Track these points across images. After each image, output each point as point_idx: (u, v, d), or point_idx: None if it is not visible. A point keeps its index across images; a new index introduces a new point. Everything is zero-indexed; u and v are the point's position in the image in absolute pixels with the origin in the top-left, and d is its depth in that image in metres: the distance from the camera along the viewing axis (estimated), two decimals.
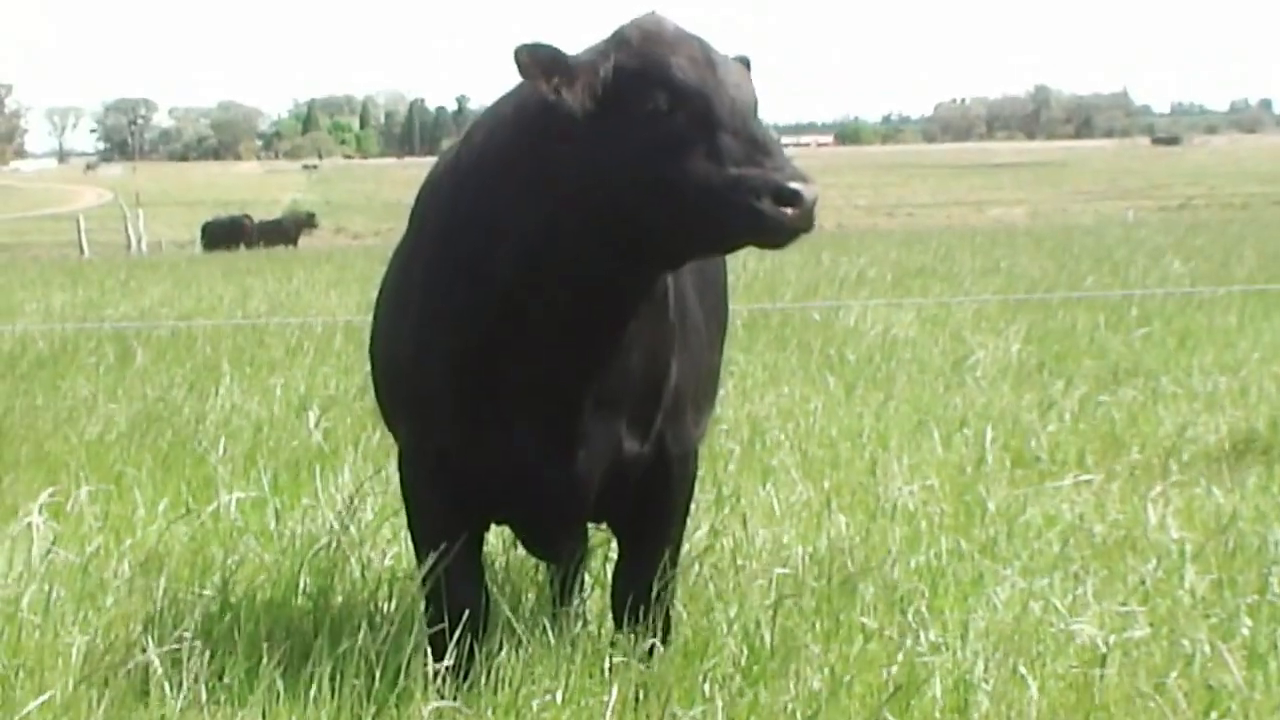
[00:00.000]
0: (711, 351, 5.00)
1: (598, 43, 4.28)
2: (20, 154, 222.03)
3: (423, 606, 4.74)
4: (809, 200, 4.02)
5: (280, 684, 4.54)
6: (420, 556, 4.70)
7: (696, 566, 5.54)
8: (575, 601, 5.45)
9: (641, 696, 4.53)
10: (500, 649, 4.73)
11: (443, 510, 4.66)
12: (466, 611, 4.63)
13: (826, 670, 4.67)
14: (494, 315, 4.38)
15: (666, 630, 4.83)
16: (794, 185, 4.00)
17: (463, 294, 4.43)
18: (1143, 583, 5.65)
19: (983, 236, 37.86)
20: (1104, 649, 4.85)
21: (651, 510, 4.73)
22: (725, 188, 4.03)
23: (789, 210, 4.01)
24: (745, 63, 4.37)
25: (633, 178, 4.11)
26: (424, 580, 4.63)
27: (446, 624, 4.60)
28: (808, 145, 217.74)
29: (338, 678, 4.55)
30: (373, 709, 4.50)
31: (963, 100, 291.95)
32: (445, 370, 4.48)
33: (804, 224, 4.04)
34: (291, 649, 4.79)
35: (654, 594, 4.75)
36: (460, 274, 4.43)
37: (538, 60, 4.17)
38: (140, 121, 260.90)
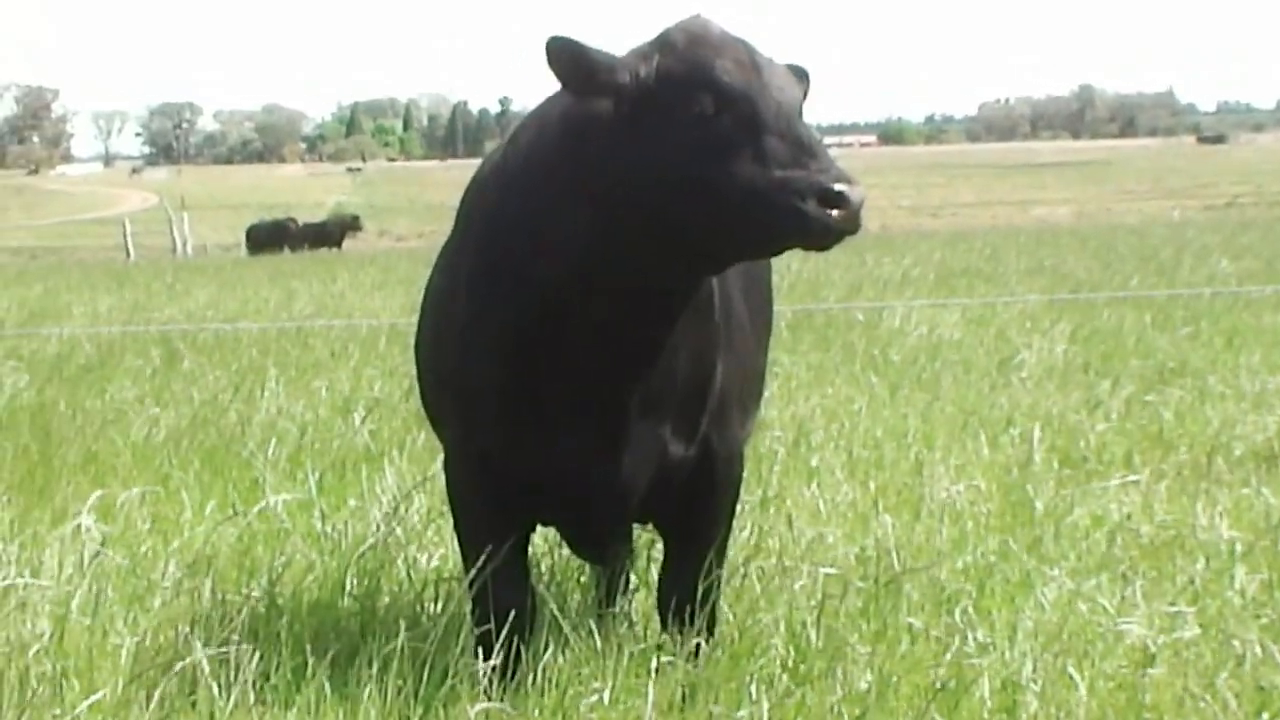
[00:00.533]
0: (756, 352, 4.99)
1: (642, 45, 4.27)
2: (67, 158, 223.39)
3: (469, 607, 4.74)
4: (855, 202, 4.00)
5: (327, 684, 4.56)
6: (466, 558, 4.70)
7: (743, 568, 5.53)
8: (621, 602, 5.45)
9: (688, 697, 4.53)
10: (546, 650, 4.73)
11: (487, 512, 4.66)
12: (512, 612, 4.62)
13: (873, 671, 4.66)
14: (537, 317, 4.37)
15: (712, 631, 4.82)
16: (839, 187, 3.98)
17: (506, 296, 4.42)
18: (1192, 582, 5.62)
19: (1027, 236, 37.77)
20: (1153, 649, 4.82)
21: (697, 511, 4.72)
22: (770, 189, 4.01)
23: (834, 212, 3.99)
24: (802, 74, 4.35)
25: (678, 180, 4.09)
26: (470, 582, 4.64)
27: (493, 625, 4.60)
28: (850, 145, 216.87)
29: (384, 678, 4.56)
30: (419, 710, 4.51)
31: (1006, 100, 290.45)
32: (489, 372, 4.48)
33: (850, 226, 4.02)
34: (339, 649, 4.81)
35: (700, 595, 4.73)
36: (504, 276, 4.43)
37: (561, 56, 4.17)
38: (185, 125, 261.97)
